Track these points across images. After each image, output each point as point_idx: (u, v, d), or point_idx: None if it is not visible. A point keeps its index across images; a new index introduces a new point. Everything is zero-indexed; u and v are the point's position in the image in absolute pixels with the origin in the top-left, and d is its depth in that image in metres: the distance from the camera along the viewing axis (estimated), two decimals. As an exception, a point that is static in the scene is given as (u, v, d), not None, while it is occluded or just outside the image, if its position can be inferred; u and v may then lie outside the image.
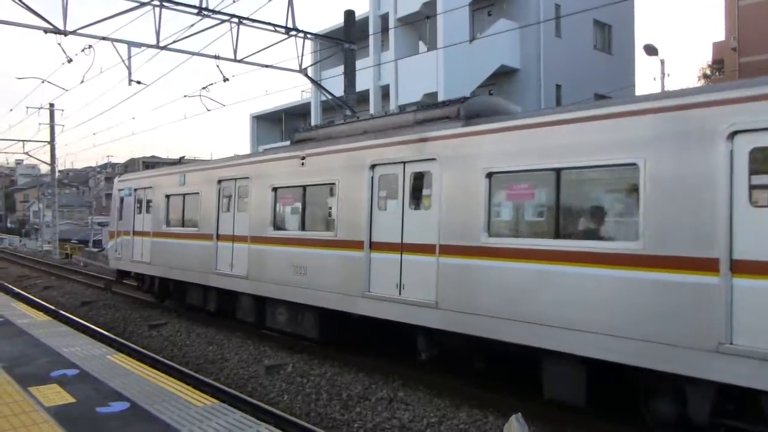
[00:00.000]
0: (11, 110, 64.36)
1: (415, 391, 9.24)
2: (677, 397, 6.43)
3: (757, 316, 5.63)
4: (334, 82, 20.84)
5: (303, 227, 11.47)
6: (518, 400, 8.16)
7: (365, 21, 28.39)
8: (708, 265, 5.92)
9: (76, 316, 16.08)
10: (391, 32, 27.31)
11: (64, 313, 16.43)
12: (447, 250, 8.48)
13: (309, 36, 16.38)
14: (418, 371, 9.82)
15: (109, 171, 68.70)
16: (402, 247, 9.25)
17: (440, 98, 24.89)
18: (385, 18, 28.43)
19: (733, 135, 5.88)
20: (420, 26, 27.42)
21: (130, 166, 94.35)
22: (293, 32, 15.62)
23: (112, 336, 13.37)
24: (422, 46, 29.02)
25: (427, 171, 9.01)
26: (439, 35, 25.16)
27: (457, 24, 24.84)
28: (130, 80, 15.08)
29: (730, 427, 6.14)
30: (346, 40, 16.88)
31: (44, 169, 70.12)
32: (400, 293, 9.21)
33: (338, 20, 21.11)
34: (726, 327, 5.77)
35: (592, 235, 7.09)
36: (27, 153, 41.84)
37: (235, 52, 15.18)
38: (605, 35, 30.24)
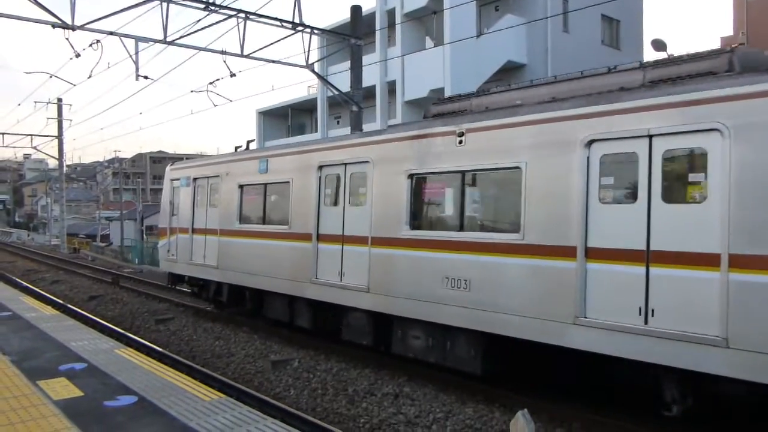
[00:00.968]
0: (19, 105, 64.94)
1: (421, 386, 9.25)
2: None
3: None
4: (341, 78, 20.79)
5: (461, 227, 8.55)
6: (524, 396, 8.16)
7: (372, 16, 28.31)
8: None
9: (83, 310, 16.19)
10: (398, 28, 27.23)
11: (71, 307, 16.55)
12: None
13: (315, 31, 16.34)
14: (424, 367, 9.83)
15: (116, 166, 68.85)
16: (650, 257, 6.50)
17: (447, 94, 24.84)
18: (391, 13, 28.34)
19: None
20: (427, 21, 27.32)
21: (138, 161, 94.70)
22: (300, 27, 15.59)
23: (120, 330, 13.45)
24: (429, 42, 28.94)
25: (699, 148, 6.25)
26: (446, 31, 25.07)
27: (464, 19, 24.74)
28: (138, 75, 15.08)
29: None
30: (352, 36, 16.84)
31: (52, 163, 70.49)
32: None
33: (345, 15, 21.06)
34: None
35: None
36: (35, 147, 41.92)
37: (241, 47, 15.17)
38: (613, 30, 30.05)
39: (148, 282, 22.86)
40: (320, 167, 10.94)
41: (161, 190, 18.66)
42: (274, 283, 11.99)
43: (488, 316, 7.91)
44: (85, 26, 13.75)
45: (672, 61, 7.33)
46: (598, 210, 6.96)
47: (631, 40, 30.35)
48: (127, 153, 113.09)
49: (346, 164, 10.44)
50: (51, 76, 24.28)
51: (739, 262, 5.84)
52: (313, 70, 16.86)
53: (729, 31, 21.38)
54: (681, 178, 6.37)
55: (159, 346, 12.01)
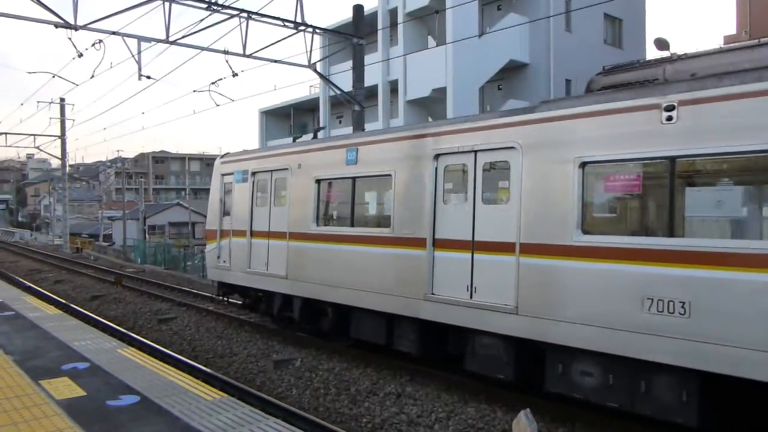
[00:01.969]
0: (22, 104, 65.10)
1: (423, 386, 9.25)
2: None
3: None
4: (343, 77, 20.78)
5: (671, 231, 6.46)
6: (527, 396, 8.15)
7: (374, 16, 28.31)
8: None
9: (86, 310, 16.22)
10: (400, 27, 27.22)
11: (74, 306, 16.57)
12: None
13: (318, 31, 16.35)
14: (426, 366, 9.82)
15: (119, 166, 68.97)
16: None
17: (449, 94, 24.85)
18: (393, 13, 28.33)
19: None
20: (429, 21, 27.30)
21: (140, 160, 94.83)
22: (302, 27, 15.60)
23: (123, 330, 13.47)
24: (431, 41, 28.92)
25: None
26: (448, 30, 25.05)
27: (466, 18, 24.71)
28: (140, 75, 15.12)
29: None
30: (354, 35, 16.84)
31: (55, 163, 70.66)
32: None
33: (347, 15, 21.06)
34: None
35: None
36: (38, 147, 42.36)
37: (244, 47, 15.19)
38: (616, 29, 30.02)
39: (150, 281, 22.90)
40: (436, 156, 8.89)
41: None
42: (366, 299, 9.87)
43: (714, 351, 5.99)
44: (88, 26, 13.78)
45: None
46: None
47: (634, 39, 30.31)
48: (130, 153, 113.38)
49: (476, 151, 8.34)
50: (54, 76, 24.35)
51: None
52: (315, 70, 16.87)
53: (732, 30, 21.39)
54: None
55: (162, 346, 12.01)
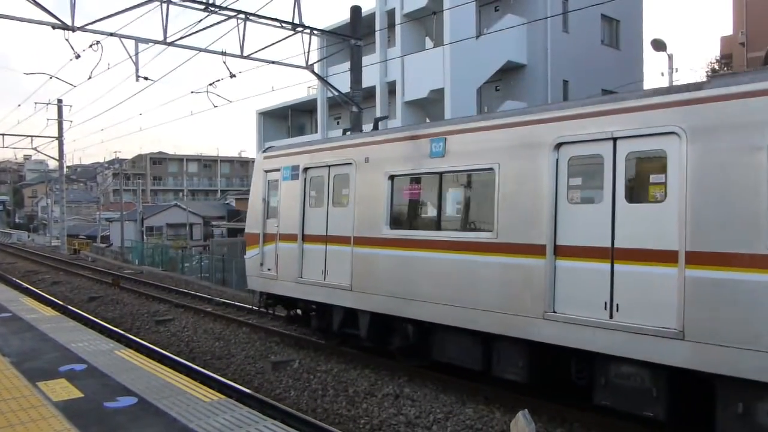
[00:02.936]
0: (19, 106, 64.84)
1: (421, 387, 9.25)
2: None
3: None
4: (341, 79, 20.79)
5: None
6: (524, 396, 8.15)
7: (372, 17, 28.33)
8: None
9: (84, 312, 16.18)
10: (398, 28, 27.25)
11: (72, 308, 16.54)
12: None
13: (315, 32, 16.35)
14: (424, 368, 9.81)
15: (117, 167, 68.84)
16: None
17: (447, 95, 24.88)
18: (391, 14, 28.37)
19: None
20: (426, 22, 27.33)
21: (138, 162, 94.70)
22: (300, 28, 15.60)
23: (120, 331, 13.45)
24: (429, 42, 28.95)
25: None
26: (446, 31, 25.08)
27: (463, 20, 24.75)
28: (138, 76, 15.10)
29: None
30: (352, 36, 16.84)
31: (52, 164, 70.42)
32: None
33: (345, 16, 21.07)
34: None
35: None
36: (35, 148, 42.02)
37: (241, 48, 15.18)
38: (613, 30, 30.07)
39: (148, 283, 22.87)
40: (558, 146, 7.40)
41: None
42: (457, 316, 8.38)
43: None
44: (85, 27, 13.76)
45: None
46: None
47: (631, 40, 30.38)
48: (127, 154, 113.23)
49: (616, 139, 6.92)
50: (51, 77, 24.25)
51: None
52: (312, 71, 16.86)
53: (729, 31, 21.42)
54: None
55: (159, 347, 11.99)
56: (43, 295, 19.12)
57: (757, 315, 5.67)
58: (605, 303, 6.79)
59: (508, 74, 27.17)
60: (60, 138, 42.38)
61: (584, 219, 7.11)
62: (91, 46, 14.62)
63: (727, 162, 6.03)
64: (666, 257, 6.33)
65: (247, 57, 15.57)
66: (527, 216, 7.64)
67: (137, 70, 14.93)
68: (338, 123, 34.58)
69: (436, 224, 9.07)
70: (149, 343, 12.45)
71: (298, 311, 12.34)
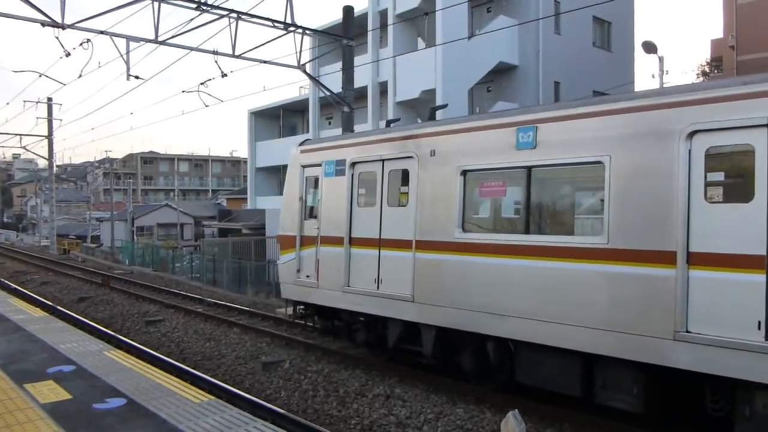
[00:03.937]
0: (8, 104, 64.09)
1: (411, 387, 9.25)
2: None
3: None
4: (333, 79, 20.75)
5: None
6: (515, 396, 8.17)
7: (364, 17, 28.31)
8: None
9: (73, 312, 16.07)
10: (390, 28, 27.23)
11: (61, 308, 16.43)
12: None
13: (307, 32, 16.32)
14: (415, 368, 9.81)
15: (107, 166, 68.43)
16: None
17: (438, 95, 24.91)
18: (383, 14, 28.35)
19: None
20: (418, 23, 27.33)
21: (129, 161, 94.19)
22: (292, 28, 15.56)
23: (110, 332, 13.37)
24: (421, 43, 28.96)
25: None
26: (438, 32, 25.09)
27: (455, 20, 24.78)
28: (129, 75, 15.00)
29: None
30: (344, 36, 16.82)
31: (42, 163, 70.01)
32: None
33: (337, 16, 21.05)
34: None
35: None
36: (24, 147, 41.71)
37: (233, 47, 15.12)
38: (604, 32, 30.21)
39: (138, 283, 22.75)
40: (691, 134, 6.26)
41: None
42: (554, 332, 7.24)
43: None
44: (76, 25, 13.65)
45: None
46: None
47: (622, 42, 30.52)
48: (118, 153, 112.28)
49: None
50: (41, 75, 24.10)
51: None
52: (304, 71, 16.83)
53: (720, 34, 21.55)
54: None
55: (149, 348, 11.93)
56: (31, 295, 18.97)
57: None
58: (759, 322, 5.67)
59: (500, 75, 27.23)
60: (50, 137, 42.08)
61: (729, 222, 5.97)
62: (81, 44, 14.54)
63: None
64: None
65: (239, 56, 15.51)
66: (650, 218, 6.53)
67: (128, 68, 14.83)
68: (330, 123, 34.52)
69: (524, 227, 7.86)
70: (139, 343, 12.38)
71: (338, 322, 11.04)
